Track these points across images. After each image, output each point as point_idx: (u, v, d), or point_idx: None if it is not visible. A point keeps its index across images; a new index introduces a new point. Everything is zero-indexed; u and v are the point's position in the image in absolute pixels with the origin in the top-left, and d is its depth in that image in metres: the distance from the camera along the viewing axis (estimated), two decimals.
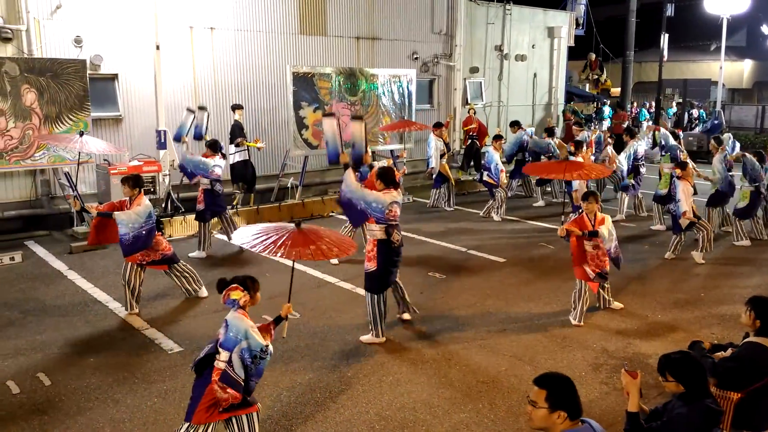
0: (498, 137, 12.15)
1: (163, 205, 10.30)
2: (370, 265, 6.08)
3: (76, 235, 9.60)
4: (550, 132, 13.40)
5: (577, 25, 20.17)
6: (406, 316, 6.59)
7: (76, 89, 9.25)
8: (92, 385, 5.24)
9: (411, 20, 14.96)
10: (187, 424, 3.90)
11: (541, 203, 12.67)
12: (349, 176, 6.09)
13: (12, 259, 8.45)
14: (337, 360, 5.77)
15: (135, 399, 5.03)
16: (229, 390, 3.82)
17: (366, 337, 6.14)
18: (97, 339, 6.16)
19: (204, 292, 7.22)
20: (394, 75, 13.30)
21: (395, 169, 6.84)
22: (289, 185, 12.17)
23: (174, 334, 6.25)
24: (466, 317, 6.78)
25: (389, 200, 5.98)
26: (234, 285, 3.98)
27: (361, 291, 7.51)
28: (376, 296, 6.08)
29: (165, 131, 10.13)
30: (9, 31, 9.36)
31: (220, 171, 8.77)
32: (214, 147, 8.86)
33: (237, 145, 10.91)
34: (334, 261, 8.41)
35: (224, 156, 9.30)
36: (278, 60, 12.54)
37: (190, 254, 8.81)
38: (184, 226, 9.98)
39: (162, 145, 10.17)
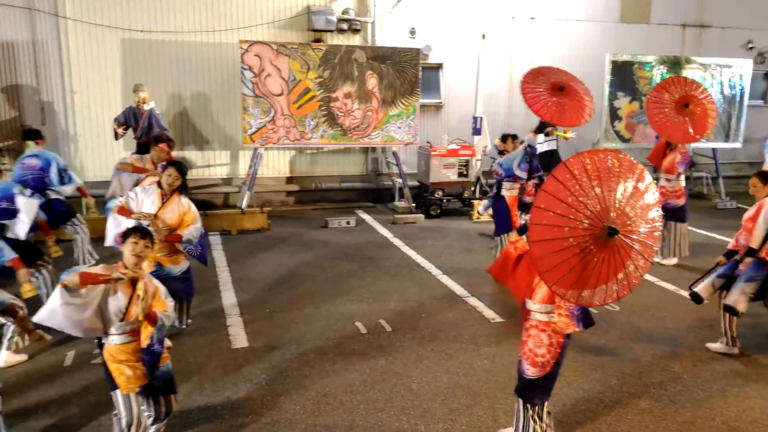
0: None
1: (473, 189, 10.78)
2: None
3: (396, 208, 10.57)
4: None
5: None
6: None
7: (409, 76, 10.13)
8: (425, 338, 5.69)
9: (749, 5, 13.21)
10: None
11: None
12: None
13: (348, 222, 9.65)
14: (667, 360, 5.37)
15: (466, 357, 5.31)
16: None
17: (715, 346, 5.57)
18: (425, 299, 6.68)
19: None
20: (724, 65, 11.93)
21: None
22: None
23: (494, 305, 6.46)
24: None
25: None
26: None
27: (685, 293, 6.92)
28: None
29: (481, 118, 10.55)
30: (358, 23, 10.67)
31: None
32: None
33: (546, 134, 10.86)
34: (658, 259, 7.98)
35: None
36: (595, 49, 12.14)
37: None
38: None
39: (477, 131, 10.61)
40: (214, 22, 10.03)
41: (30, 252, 5.83)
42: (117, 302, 3.54)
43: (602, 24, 12.26)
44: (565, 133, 11.04)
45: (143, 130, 8.53)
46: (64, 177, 6.87)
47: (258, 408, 4.46)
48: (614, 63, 11.23)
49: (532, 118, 11.78)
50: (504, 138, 7.72)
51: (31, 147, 7.07)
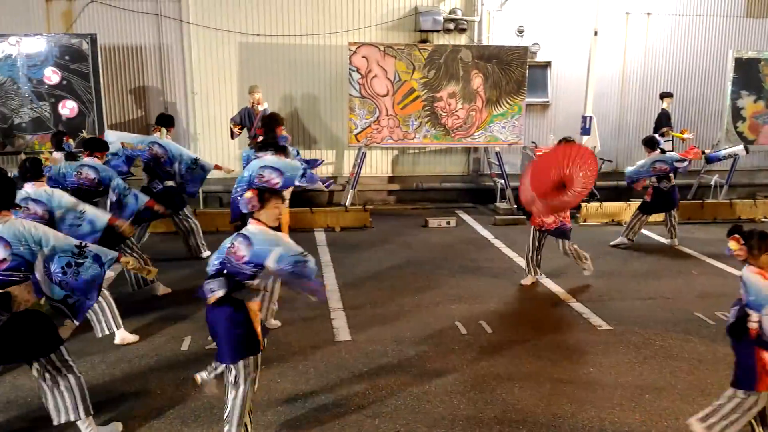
0: None
1: None
2: None
3: (497, 209, 10.44)
4: None
5: None
6: None
7: (515, 75, 9.97)
8: (528, 342, 5.58)
9: None
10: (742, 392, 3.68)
11: None
12: None
13: (448, 223, 9.65)
14: None
15: (570, 364, 5.17)
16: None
17: None
18: (527, 302, 6.57)
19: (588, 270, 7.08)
20: None
21: None
22: (712, 183, 11.04)
23: (601, 311, 6.24)
24: None
25: None
26: (735, 234, 3.65)
27: None
28: None
29: (591, 117, 10.19)
30: (465, 22, 10.63)
31: (662, 165, 8.34)
32: (650, 144, 8.53)
33: (662, 135, 10.33)
34: None
35: (663, 150, 8.81)
36: (718, 45, 11.43)
37: (611, 243, 8.70)
38: (599, 213, 9.92)
39: (586, 131, 10.25)
40: (324, 25, 10.34)
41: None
42: None
43: (725, 19, 11.49)
44: (682, 134, 10.50)
45: (256, 131, 8.94)
46: (195, 169, 7.36)
47: (360, 401, 4.57)
48: (738, 60, 10.51)
49: (646, 118, 11.32)
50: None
51: (163, 133, 7.47)
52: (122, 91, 10.13)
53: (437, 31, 10.47)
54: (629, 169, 8.68)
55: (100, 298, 5.16)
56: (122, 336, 5.45)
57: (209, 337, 5.51)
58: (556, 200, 5.92)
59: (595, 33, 9.92)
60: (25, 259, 3.62)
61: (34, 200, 4.94)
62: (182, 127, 10.29)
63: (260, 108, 9.09)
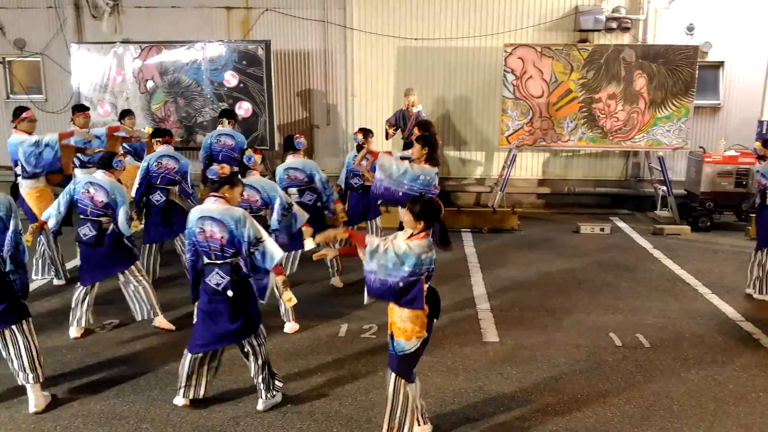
0: None
1: (753, 201, 9.57)
2: None
3: (657, 218, 9.87)
4: None
5: None
6: None
7: (683, 76, 9.36)
8: (689, 359, 5.27)
9: None
10: None
11: None
12: None
13: (602, 229, 9.30)
14: None
15: (737, 386, 4.81)
16: None
17: None
18: (690, 318, 6.17)
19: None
20: None
21: None
22: None
23: None
24: None
25: None
26: None
27: None
28: None
29: None
30: (629, 20, 10.15)
31: None
32: None
33: None
34: None
35: None
36: None
37: None
38: None
39: (762, 137, 9.38)
40: (480, 28, 10.40)
41: None
42: None
43: None
44: None
45: (410, 132, 9.20)
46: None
47: (509, 402, 4.60)
48: None
49: None
50: (766, 143, 6.63)
51: (225, 125, 8.15)
52: (290, 93, 10.90)
53: (598, 31, 10.11)
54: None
55: (144, 285, 5.67)
56: (159, 321, 5.83)
57: (363, 326, 5.86)
58: None
59: None
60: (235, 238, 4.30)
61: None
62: (341, 128, 10.86)
63: (414, 110, 9.35)
